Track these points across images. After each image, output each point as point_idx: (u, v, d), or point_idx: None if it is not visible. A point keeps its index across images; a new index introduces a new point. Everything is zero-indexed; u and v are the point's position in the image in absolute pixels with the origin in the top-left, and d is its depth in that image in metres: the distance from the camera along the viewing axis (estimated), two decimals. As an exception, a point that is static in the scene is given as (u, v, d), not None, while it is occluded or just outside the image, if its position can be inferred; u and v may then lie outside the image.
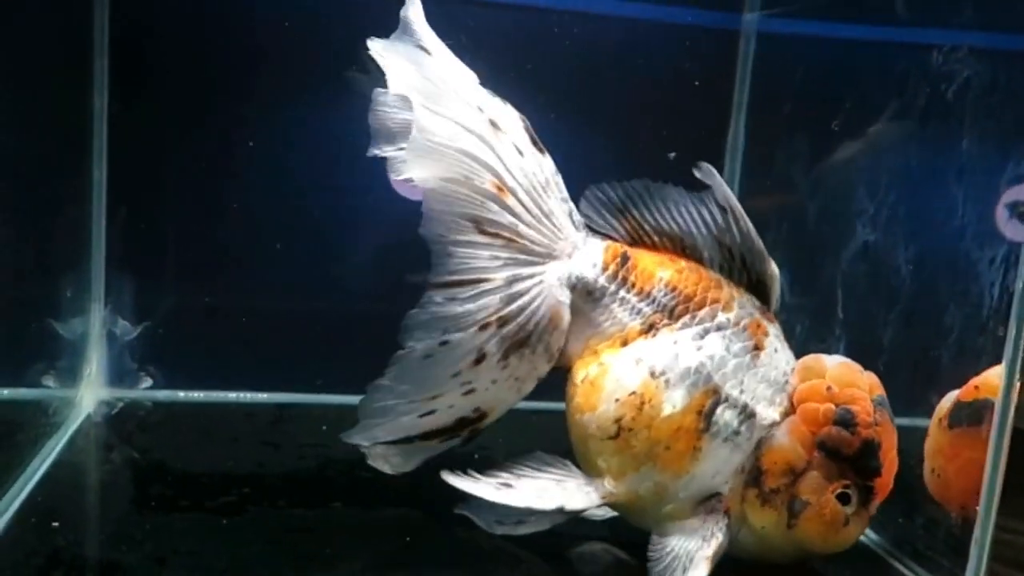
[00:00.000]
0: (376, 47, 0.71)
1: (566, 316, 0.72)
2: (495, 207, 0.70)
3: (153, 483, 0.84)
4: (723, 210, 0.73)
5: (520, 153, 0.71)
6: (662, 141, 1.11)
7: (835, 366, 0.74)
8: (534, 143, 0.73)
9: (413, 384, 0.72)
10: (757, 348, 0.73)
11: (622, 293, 0.73)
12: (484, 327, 0.70)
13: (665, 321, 0.72)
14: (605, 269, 0.73)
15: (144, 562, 0.69)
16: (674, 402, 0.70)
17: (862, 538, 0.83)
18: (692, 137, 1.14)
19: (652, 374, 0.71)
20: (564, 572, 0.75)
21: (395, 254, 0.93)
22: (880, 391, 0.73)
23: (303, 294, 1.09)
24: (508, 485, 0.72)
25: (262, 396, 1.10)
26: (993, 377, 0.73)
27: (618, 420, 0.71)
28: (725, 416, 0.71)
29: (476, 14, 1.05)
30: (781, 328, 0.76)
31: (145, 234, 1.05)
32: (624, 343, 0.73)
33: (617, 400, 0.71)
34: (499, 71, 1.05)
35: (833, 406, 0.71)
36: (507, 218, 0.70)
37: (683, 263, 0.74)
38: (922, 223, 0.82)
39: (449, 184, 0.69)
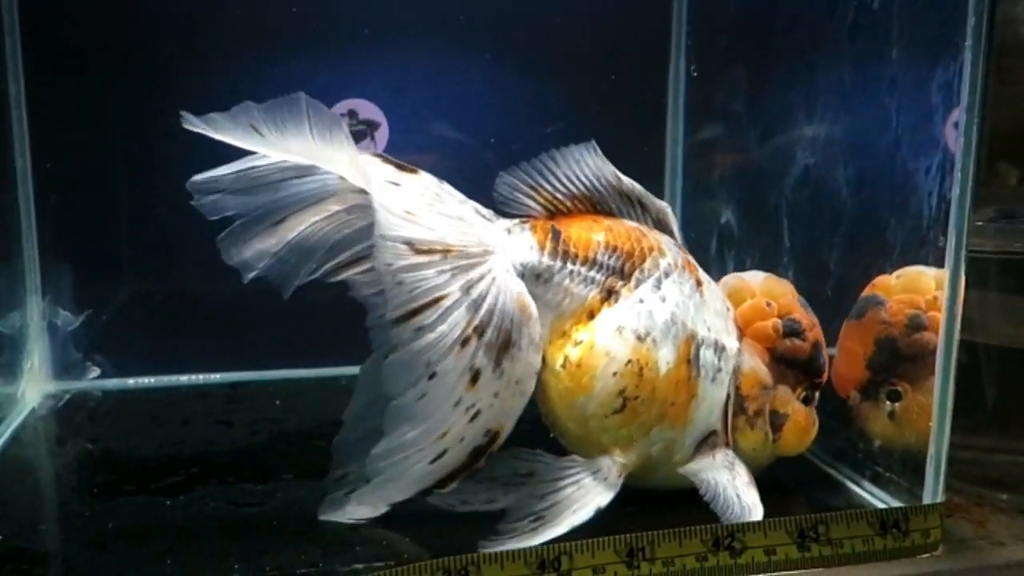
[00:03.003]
0: (215, 125, 0.66)
1: (531, 303, 0.69)
2: (414, 227, 0.65)
3: (98, 471, 0.82)
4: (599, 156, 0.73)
5: (398, 184, 0.67)
6: (602, 82, 1.10)
7: (760, 281, 0.78)
8: (402, 169, 0.69)
9: (416, 430, 0.66)
10: (699, 284, 0.74)
11: (569, 267, 0.71)
12: (465, 342, 0.65)
13: (621, 283, 0.71)
14: (543, 248, 0.71)
15: (83, 549, 0.68)
16: (667, 358, 0.70)
17: (821, 466, 0.83)
18: (633, 77, 1.12)
19: (639, 338, 0.70)
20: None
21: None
22: (796, 292, 0.78)
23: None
24: (541, 518, 0.68)
25: (215, 376, 1.08)
26: (889, 279, 0.76)
27: (621, 392, 0.69)
28: (706, 356, 0.72)
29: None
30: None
31: (79, 221, 1.03)
32: (590, 316, 0.71)
33: (615, 373, 0.69)
34: (431, 17, 1.05)
35: (779, 320, 0.75)
36: (429, 234, 0.66)
37: (605, 221, 0.73)
38: (859, 141, 0.80)
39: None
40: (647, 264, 0.72)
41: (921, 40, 0.71)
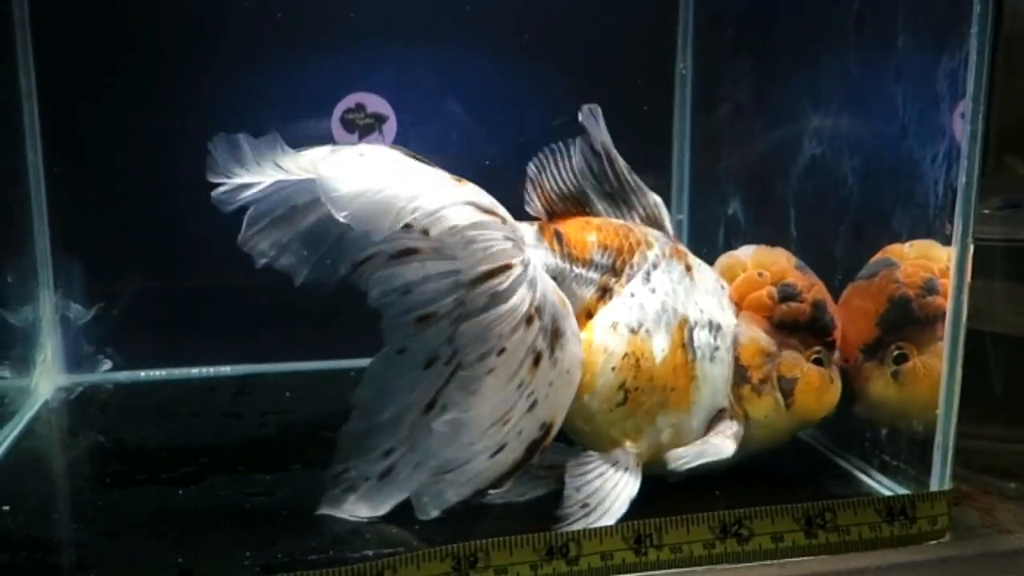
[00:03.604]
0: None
1: (565, 298, 0.69)
2: (469, 191, 0.64)
3: (110, 462, 0.83)
4: (597, 156, 0.74)
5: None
6: (609, 73, 1.10)
7: (751, 254, 0.78)
8: (418, 160, 0.67)
9: (481, 409, 0.64)
10: (688, 268, 0.76)
11: (574, 270, 0.72)
12: (529, 321, 0.64)
13: (614, 280, 0.73)
14: (554, 251, 0.72)
15: (96, 537, 0.68)
16: (662, 346, 0.71)
17: (828, 455, 0.84)
18: (640, 68, 1.12)
19: (632, 331, 0.71)
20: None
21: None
22: (794, 257, 0.78)
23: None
24: (588, 505, 0.69)
25: (225, 369, 1.09)
26: (901, 247, 0.76)
27: (622, 385, 0.71)
28: (701, 337, 0.73)
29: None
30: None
31: (91, 215, 1.04)
32: (588, 316, 0.72)
33: (614, 368, 0.70)
34: (438, 10, 1.06)
35: (773, 287, 0.76)
36: (485, 198, 0.64)
37: (594, 220, 0.75)
38: (865, 129, 0.80)
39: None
40: (636, 259, 0.73)
41: (927, 28, 0.71)
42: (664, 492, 0.73)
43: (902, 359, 0.76)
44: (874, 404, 0.77)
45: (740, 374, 0.74)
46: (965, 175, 0.65)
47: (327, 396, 1.00)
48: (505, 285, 0.63)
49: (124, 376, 1.05)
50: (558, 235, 0.72)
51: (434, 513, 0.68)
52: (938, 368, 0.69)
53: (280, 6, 1.03)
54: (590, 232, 0.73)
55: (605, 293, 0.72)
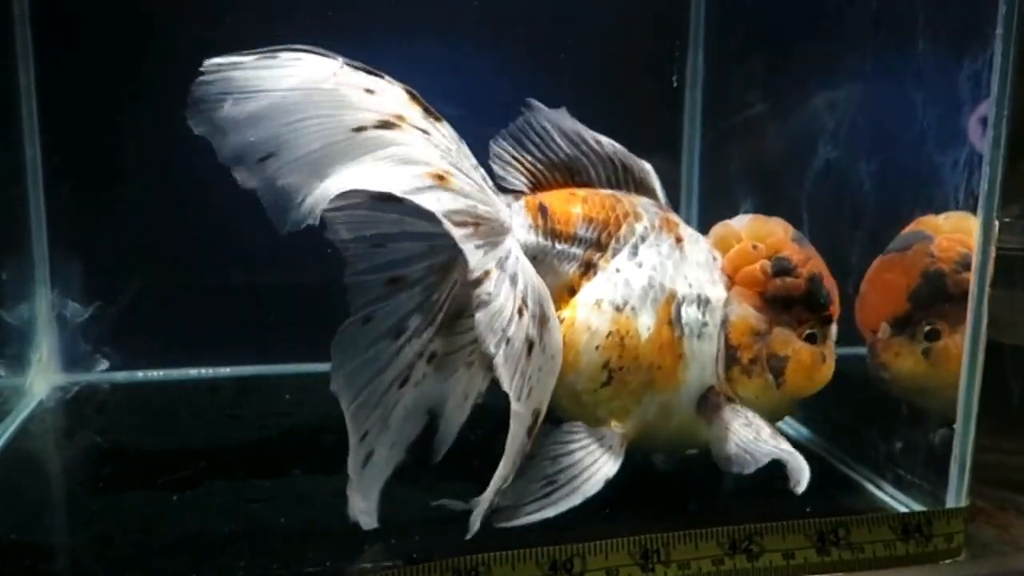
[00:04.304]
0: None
1: (543, 282, 0.67)
2: (448, 196, 0.60)
3: (106, 464, 0.81)
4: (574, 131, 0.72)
5: (427, 133, 0.62)
6: (619, 74, 1.08)
7: (746, 224, 0.76)
8: (428, 113, 0.63)
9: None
10: (679, 240, 0.74)
11: (557, 246, 0.70)
12: (520, 312, 0.63)
13: (598, 255, 0.71)
14: (537, 228, 0.70)
15: (89, 543, 0.67)
16: (647, 324, 0.70)
17: (842, 468, 0.81)
18: (650, 69, 1.10)
19: (617, 308, 0.70)
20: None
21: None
22: (791, 228, 0.76)
23: (259, 264, 1.06)
24: (553, 483, 0.68)
25: (225, 370, 1.07)
26: (936, 219, 0.73)
27: (606, 364, 0.70)
28: (689, 313, 0.71)
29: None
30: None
31: (89, 212, 1.02)
32: (572, 292, 0.71)
33: (598, 347, 0.69)
34: (444, 7, 1.04)
35: (767, 261, 0.73)
36: (462, 202, 0.61)
37: (580, 192, 0.73)
38: (883, 133, 0.79)
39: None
40: (623, 232, 0.71)
41: (948, 30, 0.69)
42: (670, 505, 0.71)
43: (934, 336, 0.73)
44: (900, 379, 0.75)
45: (729, 354, 0.72)
46: (987, 181, 0.63)
47: (328, 398, 0.97)
48: (493, 287, 0.61)
49: (122, 376, 1.04)
50: (543, 209, 0.70)
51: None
52: (971, 348, 0.66)
53: (285, 2, 1.01)
54: (575, 204, 0.71)
55: (589, 268, 0.71)
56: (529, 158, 0.73)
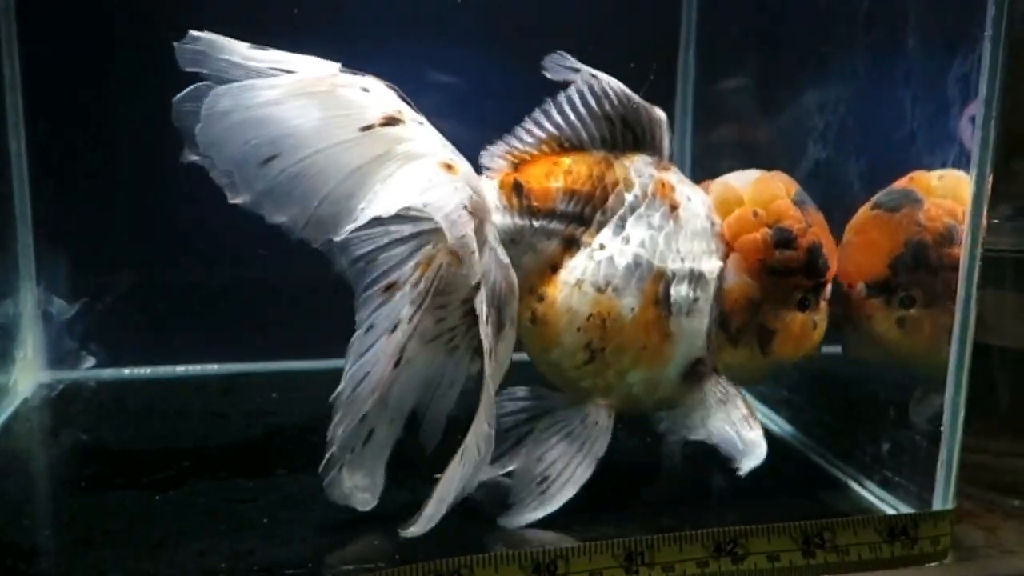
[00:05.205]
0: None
1: (515, 279, 0.68)
2: (461, 183, 0.63)
3: (90, 464, 0.81)
4: (593, 76, 0.69)
5: (421, 123, 0.64)
6: (611, 74, 1.07)
7: (748, 186, 0.73)
8: (407, 103, 0.65)
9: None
10: (673, 208, 0.71)
11: (534, 224, 0.69)
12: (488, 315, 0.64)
13: (581, 229, 0.69)
14: (511, 207, 0.69)
15: (69, 544, 0.66)
16: (631, 305, 0.69)
17: (829, 468, 0.81)
18: (642, 70, 1.09)
19: (599, 289, 0.68)
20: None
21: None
22: (795, 187, 0.73)
23: (246, 262, 1.05)
24: (546, 479, 0.69)
25: (212, 367, 1.07)
26: (931, 176, 0.72)
27: (588, 345, 0.69)
28: (679, 292, 0.70)
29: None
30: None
31: (75, 208, 1.01)
32: (553, 269, 0.69)
33: (579, 328, 0.69)
34: (437, 9, 1.03)
35: (768, 230, 0.71)
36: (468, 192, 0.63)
37: (565, 160, 0.70)
38: (872, 133, 0.78)
39: None
40: (610, 203, 0.69)
41: (938, 30, 0.69)
42: (655, 506, 0.71)
43: (909, 303, 0.73)
44: (870, 341, 0.75)
45: (721, 321, 0.71)
46: (975, 183, 0.63)
47: (315, 397, 0.96)
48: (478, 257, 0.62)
49: (108, 374, 1.03)
50: (518, 187, 0.69)
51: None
52: (944, 322, 0.66)
53: (277, 3, 1.00)
54: (556, 177, 0.69)
55: (571, 244, 0.69)
56: (517, 145, 0.70)
